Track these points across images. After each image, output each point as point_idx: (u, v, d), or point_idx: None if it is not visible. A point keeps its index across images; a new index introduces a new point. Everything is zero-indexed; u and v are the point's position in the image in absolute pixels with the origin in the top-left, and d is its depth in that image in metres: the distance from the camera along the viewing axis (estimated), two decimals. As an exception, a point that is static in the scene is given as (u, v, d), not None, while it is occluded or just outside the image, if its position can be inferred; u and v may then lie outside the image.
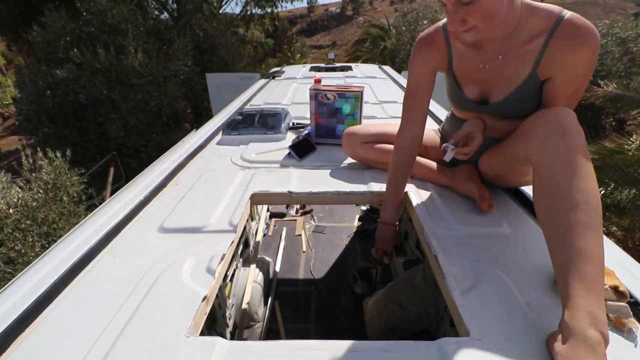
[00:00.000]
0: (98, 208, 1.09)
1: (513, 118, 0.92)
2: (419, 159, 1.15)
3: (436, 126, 1.37)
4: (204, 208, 1.03)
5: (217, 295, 0.82)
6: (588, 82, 0.83)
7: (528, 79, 0.86)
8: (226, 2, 10.33)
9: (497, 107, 0.93)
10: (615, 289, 0.63)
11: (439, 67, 1.00)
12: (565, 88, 0.83)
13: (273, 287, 1.77)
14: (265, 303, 1.65)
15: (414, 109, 1.03)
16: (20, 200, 3.17)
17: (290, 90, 2.75)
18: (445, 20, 0.87)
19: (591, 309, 0.55)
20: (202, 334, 0.65)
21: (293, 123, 1.81)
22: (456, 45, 0.93)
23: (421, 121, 1.04)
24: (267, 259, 1.88)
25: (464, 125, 0.94)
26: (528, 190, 1.07)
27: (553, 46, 0.79)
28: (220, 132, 1.71)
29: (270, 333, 1.51)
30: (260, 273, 1.69)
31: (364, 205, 2.44)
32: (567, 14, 0.77)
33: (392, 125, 1.25)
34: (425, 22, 12.09)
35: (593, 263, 0.59)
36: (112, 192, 4.74)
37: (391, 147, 1.20)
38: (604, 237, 0.87)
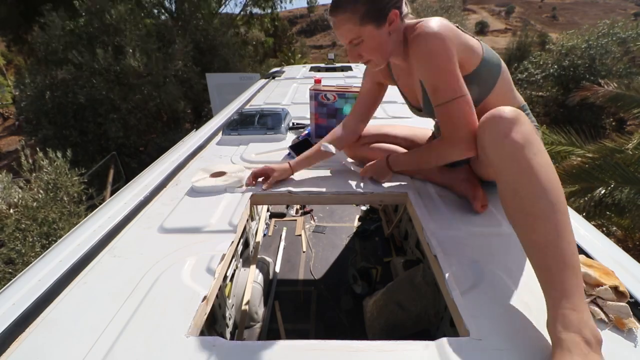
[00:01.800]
0: (98, 208, 1.09)
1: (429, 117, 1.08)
2: None
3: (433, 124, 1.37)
4: (204, 208, 1.03)
5: (217, 295, 0.82)
6: (444, 78, 0.83)
7: (421, 84, 0.96)
8: (226, 2, 10.32)
9: (425, 111, 1.05)
10: (615, 289, 0.63)
11: (383, 80, 1.14)
12: (428, 86, 0.89)
13: (273, 287, 1.77)
14: (265, 303, 1.65)
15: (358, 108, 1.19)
16: (20, 201, 3.17)
17: (290, 91, 2.75)
18: None
19: (562, 311, 0.54)
20: (202, 334, 0.65)
21: (293, 123, 1.81)
22: (393, 61, 1.03)
23: (361, 119, 1.21)
24: (267, 259, 1.88)
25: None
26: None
27: (410, 48, 0.89)
28: (220, 132, 1.71)
29: (270, 333, 1.51)
30: (260, 273, 1.69)
31: (364, 205, 2.44)
32: (420, 22, 0.87)
33: (391, 126, 1.27)
34: (425, 22, 12.04)
35: (555, 259, 0.58)
36: (112, 192, 4.73)
37: (391, 146, 1.21)
38: (604, 236, 0.88)
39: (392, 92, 2.59)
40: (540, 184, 0.63)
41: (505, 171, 0.68)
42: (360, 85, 1.50)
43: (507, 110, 0.70)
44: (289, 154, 1.41)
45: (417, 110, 1.10)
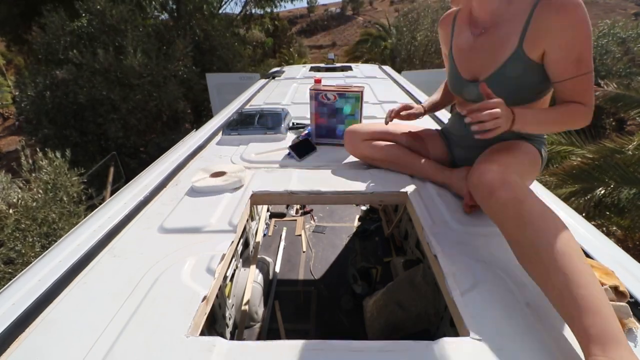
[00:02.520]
0: (98, 208, 1.09)
1: (508, 98, 0.80)
2: (417, 157, 1.18)
3: (435, 126, 1.37)
4: (203, 208, 1.03)
5: (217, 295, 0.82)
6: (589, 48, 0.78)
7: (515, 54, 0.84)
8: (226, 2, 10.32)
9: (489, 83, 0.87)
10: (615, 289, 0.63)
11: (447, 44, 1.07)
12: (566, 58, 0.79)
13: (273, 287, 1.78)
14: (265, 303, 1.66)
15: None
16: (20, 201, 3.16)
17: (290, 91, 2.75)
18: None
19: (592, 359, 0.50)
20: (202, 334, 0.65)
21: (293, 123, 1.81)
22: (458, 22, 1.00)
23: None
24: (267, 259, 1.88)
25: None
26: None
27: (537, 17, 0.79)
28: (220, 132, 1.71)
29: (270, 333, 1.52)
30: (260, 273, 1.69)
31: (364, 205, 2.44)
32: None
33: (393, 124, 1.26)
34: (426, 22, 12.06)
35: (572, 306, 0.55)
36: (112, 192, 4.73)
37: (393, 144, 1.21)
38: (604, 236, 0.88)
39: (393, 92, 2.59)
40: (537, 234, 0.62)
41: (501, 226, 0.70)
42: (359, 85, 1.50)
43: (489, 168, 0.73)
44: (289, 153, 1.41)
45: (470, 82, 0.95)
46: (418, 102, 2.24)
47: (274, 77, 3.48)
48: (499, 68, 0.87)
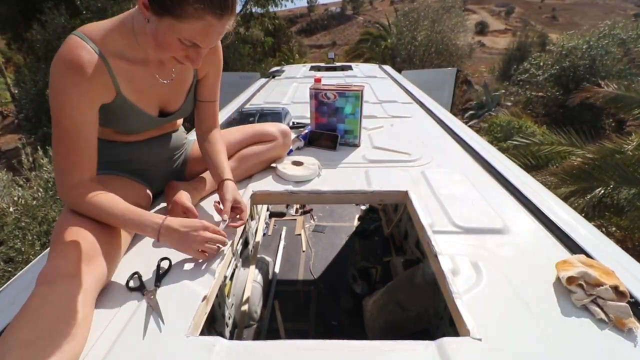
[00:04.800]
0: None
1: (181, 117, 1.05)
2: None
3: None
4: (203, 207, 1.03)
5: (216, 295, 0.82)
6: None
7: (193, 81, 1.00)
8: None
9: (177, 115, 1.01)
10: (615, 289, 0.63)
11: (102, 99, 0.80)
12: (216, 81, 1.04)
13: (273, 286, 1.78)
14: (265, 303, 1.66)
15: (87, 151, 0.78)
16: (20, 199, 3.16)
17: (290, 90, 2.75)
18: (80, 37, 0.74)
19: None
20: (202, 333, 0.65)
21: (293, 122, 1.81)
22: (116, 65, 0.79)
23: (95, 159, 0.82)
24: (267, 258, 1.88)
25: (226, 198, 0.90)
26: (528, 190, 1.07)
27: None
28: (220, 132, 1.71)
29: (270, 333, 1.52)
30: (260, 272, 1.69)
31: (364, 204, 2.44)
32: None
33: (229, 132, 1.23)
34: (426, 22, 12.06)
35: None
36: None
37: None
38: (604, 236, 0.88)
39: (393, 92, 2.59)
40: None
41: None
42: (359, 85, 1.50)
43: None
44: (289, 152, 1.41)
45: (160, 117, 0.96)
46: (418, 102, 2.24)
47: (274, 77, 3.48)
48: (186, 98, 1.01)
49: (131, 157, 0.99)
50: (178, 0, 0.67)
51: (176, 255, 0.79)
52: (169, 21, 0.69)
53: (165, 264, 0.77)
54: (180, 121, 1.12)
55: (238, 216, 0.91)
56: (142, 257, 0.81)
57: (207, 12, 0.69)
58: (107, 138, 0.94)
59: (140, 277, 0.73)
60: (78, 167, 0.77)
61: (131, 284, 0.72)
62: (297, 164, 1.24)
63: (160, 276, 0.74)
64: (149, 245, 0.86)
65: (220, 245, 0.80)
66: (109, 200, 0.76)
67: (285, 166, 1.22)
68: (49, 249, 0.72)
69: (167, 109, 0.98)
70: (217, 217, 0.97)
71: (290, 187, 1.13)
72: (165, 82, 0.91)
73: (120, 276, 0.76)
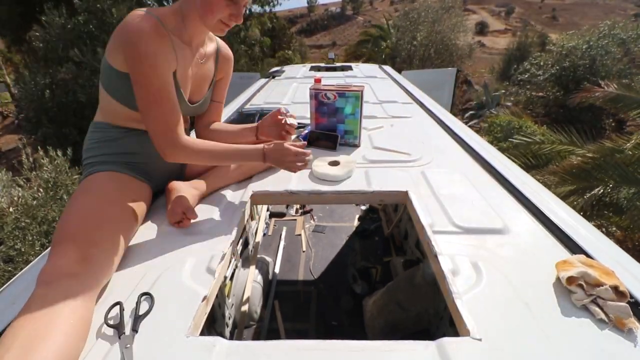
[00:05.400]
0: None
1: (200, 111, 1.12)
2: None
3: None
4: (203, 207, 1.03)
5: (216, 295, 0.82)
6: None
7: (213, 79, 1.09)
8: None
9: (199, 106, 1.08)
10: (615, 289, 0.63)
11: (173, 67, 0.88)
12: (226, 85, 1.17)
13: (273, 286, 1.78)
14: (265, 303, 1.66)
15: (179, 110, 0.88)
16: (20, 199, 3.16)
17: (290, 90, 2.75)
18: (152, 13, 0.83)
19: None
20: (202, 333, 0.65)
21: (293, 122, 1.81)
22: (176, 42, 0.88)
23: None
24: (267, 258, 1.88)
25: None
26: (528, 190, 1.07)
27: (221, 58, 1.10)
28: (220, 132, 1.71)
29: (270, 333, 1.52)
30: (260, 273, 1.69)
31: (364, 204, 2.44)
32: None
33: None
34: (426, 22, 12.06)
35: None
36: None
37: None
38: (604, 236, 0.88)
39: (393, 92, 2.59)
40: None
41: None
42: (359, 85, 1.50)
43: None
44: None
45: (192, 105, 1.04)
46: (418, 102, 2.24)
47: (274, 77, 3.48)
48: (207, 91, 1.09)
49: (145, 148, 0.99)
50: None
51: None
52: None
53: (148, 301, 0.68)
54: (187, 124, 1.14)
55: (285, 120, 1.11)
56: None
57: None
58: (127, 125, 0.96)
59: (122, 309, 0.65)
60: (179, 123, 0.88)
61: (110, 320, 0.64)
62: (334, 163, 1.24)
63: (140, 317, 0.64)
64: (150, 244, 0.86)
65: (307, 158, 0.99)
66: (213, 142, 0.94)
67: (322, 166, 1.22)
68: (49, 248, 0.73)
69: (193, 98, 1.05)
70: (217, 217, 0.97)
71: (290, 187, 1.12)
72: (198, 63, 0.99)
73: (120, 275, 0.76)
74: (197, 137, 1.16)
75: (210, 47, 1.05)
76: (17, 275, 0.81)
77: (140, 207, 0.90)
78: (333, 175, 1.16)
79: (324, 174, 1.17)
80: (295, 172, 1.01)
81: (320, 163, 1.24)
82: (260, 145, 0.95)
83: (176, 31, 0.89)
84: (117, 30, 0.82)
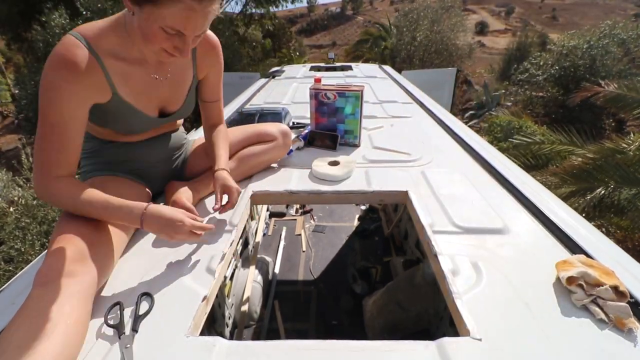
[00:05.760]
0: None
1: (182, 117, 1.06)
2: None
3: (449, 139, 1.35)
4: (203, 207, 1.03)
5: (216, 295, 0.82)
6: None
7: (192, 82, 1.00)
8: (226, 2, 10.30)
9: (178, 115, 1.02)
10: (615, 289, 0.63)
11: (95, 98, 0.79)
12: (218, 81, 1.07)
13: (273, 286, 1.78)
14: (265, 303, 1.66)
15: (71, 149, 0.76)
16: (20, 199, 3.16)
17: (290, 90, 2.75)
18: (76, 36, 0.74)
19: None
20: (202, 333, 0.65)
21: (293, 122, 1.81)
22: (112, 65, 0.79)
23: (77, 158, 0.80)
24: (267, 258, 1.88)
25: (216, 187, 0.93)
26: (528, 190, 1.07)
27: (200, 52, 0.97)
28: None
29: (270, 333, 1.52)
30: (260, 273, 1.69)
31: (364, 204, 2.44)
32: None
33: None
34: (426, 22, 12.05)
35: None
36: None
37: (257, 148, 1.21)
38: (604, 236, 0.88)
39: (393, 92, 2.59)
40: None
41: None
42: (359, 85, 1.50)
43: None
44: (289, 152, 1.41)
45: (159, 118, 0.97)
46: (418, 102, 2.24)
47: (274, 77, 3.48)
48: (186, 98, 1.01)
49: (131, 157, 0.99)
50: None
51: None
52: (148, 9, 0.68)
53: (147, 301, 0.68)
54: (180, 121, 1.13)
55: (227, 200, 0.93)
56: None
57: None
58: (107, 138, 0.95)
59: (122, 309, 0.66)
60: (59, 164, 0.75)
61: (110, 319, 0.64)
62: (334, 163, 1.24)
63: (140, 317, 0.64)
64: (152, 245, 0.86)
65: (201, 232, 0.79)
66: (87, 192, 0.75)
67: (322, 166, 1.22)
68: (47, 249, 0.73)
69: (167, 109, 0.98)
70: (217, 217, 0.97)
71: (290, 187, 1.12)
72: (161, 79, 0.90)
73: (121, 276, 0.76)
74: (205, 134, 1.13)
75: None
76: (16, 275, 0.81)
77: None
78: (333, 175, 1.16)
79: (323, 174, 1.17)
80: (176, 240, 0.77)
81: (320, 163, 1.24)
82: (142, 206, 0.75)
83: (119, 51, 0.79)
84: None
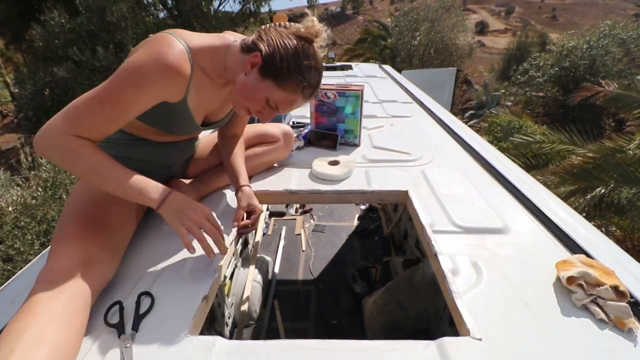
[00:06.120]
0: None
1: (218, 128, 1.07)
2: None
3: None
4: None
5: (216, 295, 0.82)
6: None
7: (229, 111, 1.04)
8: (225, 0, 10.29)
9: (217, 125, 1.03)
10: (615, 288, 0.63)
11: (169, 98, 0.81)
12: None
13: (272, 286, 1.77)
14: (265, 302, 1.65)
15: (111, 126, 0.76)
16: (19, 198, 3.16)
17: (290, 89, 2.74)
18: (183, 45, 0.77)
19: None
20: (201, 333, 0.65)
21: (293, 122, 1.81)
22: (197, 77, 0.83)
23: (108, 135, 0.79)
24: (267, 258, 1.88)
25: (242, 203, 0.95)
26: (528, 189, 1.07)
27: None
28: (220, 131, 1.70)
29: (270, 332, 1.51)
30: (260, 272, 1.69)
31: (364, 204, 2.44)
32: None
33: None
34: (426, 22, 12.04)
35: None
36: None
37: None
38: (604, 236, 0.88)
39: (393, 91, 2.59)
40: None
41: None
42: (359, 84, 1.50)
43: None
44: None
45: (201, 126, 0.99)
46: (418, 101, 2.24)
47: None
48: (227, 114, 1.04)
49: (154, 156, 0.98)
50: (288, 71, 0.77)
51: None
52: (270, 84, 0.79)
53: (147, 302, 0.68)
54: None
55: (249, 219, 0.94)
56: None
57: (303, 89, 0.81)
58: (140, 135, 0.93)
59: (122, 309, 0.66)
60: (93, 130, 0.72)
61: (110, 318, 0.64)
62: (334, 163, 1.24)
63: (140, 317, 0.64)
64: (152, 245, 0.86)
65: (211, 239, 0.76)
66: (109, 157, 0.74)
67: (321, 165, 1.22)
68: (49, 247, 0.72)
69: (210, 119, 1.00)
70: (217, 216, 0.97)
71: (290, 187, 1.12)
72: (220, 98, 0.95)
73: (121, 275, 0.76)
74: (220, 144, 1.11)
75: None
76: (16, 275, 0.80)
77: (139, 208, 0.90)
78: (333, 175, 1.16)
79: (323, 174, 1.17)
80: (184, 242, 0.73)
81: (320, 163, 1.23)
82: (163, 192, 0.75)
83: (207, 70, 0.84)
84: (147, 41, 0.77)
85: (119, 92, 0.72)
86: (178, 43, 0.76)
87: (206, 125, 0.99)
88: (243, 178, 1.00)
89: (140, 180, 0.74)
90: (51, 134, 0.69)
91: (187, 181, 1.11)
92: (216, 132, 1.16)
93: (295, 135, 1.51)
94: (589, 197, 2.98)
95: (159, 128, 0.90)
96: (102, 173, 0.71)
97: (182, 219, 0.73)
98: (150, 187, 0.74)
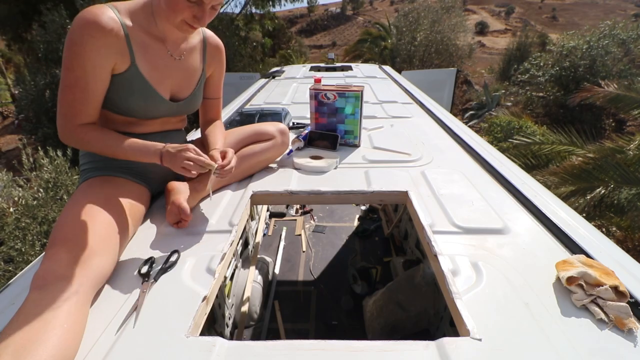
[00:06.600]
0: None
1: (188, 109, 1.08)
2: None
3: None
4: (204, 207, 1.03)
5: (217, 295, 0.82)
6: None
7: (201, 75, 1.06)
8: (226, 2, 10.31)
9: (186, 103, 1.04)
10: (615, 289, 0.63)
11: (115, 60, 0.84)
12: (220, 80, 1.14)
13: (273, 287, 1.78)
14: (265, 303, 1.65)
15: (93, 102, 0.84)
16: (20, 199, 3.16)
17: (290, 90, 2.75)
18: (114, 6, 0.84)
19: None
20: (202, 333, 0.65)
21: (293, 123, 1.81)
22: (134, 35, 0.85)
23: (98, 110, 0.88)
24: (267, 258, 1.88)
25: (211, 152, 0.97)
26: (528, 190, 1.07)
27: (209, 51, 1.06)
28: (220, 132, 1.70)
29: (270, 333, 1.52)
30: (260, 273, 1.69)
31: (364, 204, 2.44)
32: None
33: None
34: (426, 22, 12.05)
35: None
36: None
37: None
38: (604, 236, 0.88)
39: (393, 92, 2.59)
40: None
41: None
42: (359, 85, 1.50)
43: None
44: (289, 153, 1.41)
45: (176, 102, 1.01)
46: (418, 102, 2.24)
47: (274, 77, 3.48)
48: (195, 88, 1.05)
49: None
50: None
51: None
52: None
53: (174, 257, 0.80)
54: (183, 123, 1.14)
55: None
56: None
57: None
58: (119, 130, 0.95)
59: (152, 263, 0.78)
60: (81, 114, 0.84)
61: (143, 269, 0.76)
62: (316, 158, 1.31)
63: (165, 269, 0.76)
64: (152, 245, 0.86)
65: (201, 166, 0.86)
66: (111, 132, 0.88)
67: (304, 159, 1.29)
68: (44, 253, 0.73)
69: (178, 95, 1.02)
70: (217, 217, 0.97)
71: (290, 187, 1.13)
72: (176, 58, 0.96)
73: (121, 276, 0.76)
74: (201, 129, 1.16)
75: (194, 40, 1.02)
76: (16, 276, 0.81)
77: (137, 210, 0.91)
78: (314, 166, 1.23)
79: (306, 166, 1.24)
80: (185, 175, 0.87)
81: (303, 158, 1.31)
82: (160, 145, 0.86)
83: (144, 25, 0.88)
84: None
85: (71, 71, 0.80)
86: (101, 6, 0.81)
87: (175, 101, 1.02)
88: (215, 146, 1.04)
89: (139, 146, 0.87)
90: (61, 133, 0.85)
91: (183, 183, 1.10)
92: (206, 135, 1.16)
93: (295, 135, 1.51)
94: (589, 197, 2.98)
95: (129, 110, 0.93)
96: (111, 150, 0.86)
97: (182, 158, 0.84)
98: (148, 150, 0.86)
